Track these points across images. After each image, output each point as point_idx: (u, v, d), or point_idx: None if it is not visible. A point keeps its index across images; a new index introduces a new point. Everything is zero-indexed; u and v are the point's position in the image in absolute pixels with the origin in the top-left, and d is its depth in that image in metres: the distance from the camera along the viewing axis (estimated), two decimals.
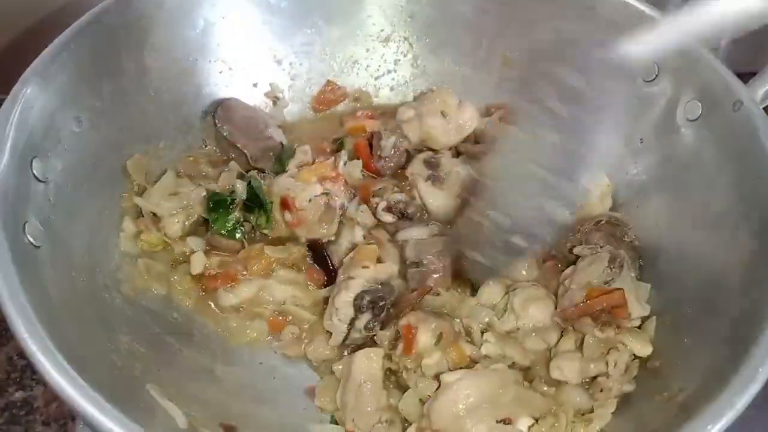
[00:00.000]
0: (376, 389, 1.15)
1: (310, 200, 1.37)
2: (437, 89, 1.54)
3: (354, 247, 1.34)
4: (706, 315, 1.10)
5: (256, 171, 1.45)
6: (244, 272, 1.33)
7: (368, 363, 1.16)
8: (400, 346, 1.18)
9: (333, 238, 1.37)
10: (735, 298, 1.05)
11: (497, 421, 1.08)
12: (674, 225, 1.29)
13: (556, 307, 1.23)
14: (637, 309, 1.18)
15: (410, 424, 1.13)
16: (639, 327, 1.19)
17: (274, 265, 1.34)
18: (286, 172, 1.43)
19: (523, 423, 1.09)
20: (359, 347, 1.22)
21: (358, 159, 1.48)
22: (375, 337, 1.23)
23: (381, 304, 1.22)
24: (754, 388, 0.86)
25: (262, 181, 1.40)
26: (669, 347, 1.13)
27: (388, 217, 1.39)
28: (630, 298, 1.16)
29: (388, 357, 1.20)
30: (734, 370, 0.90)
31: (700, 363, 1.03)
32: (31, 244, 1.05)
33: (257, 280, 1.32)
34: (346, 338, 1.23)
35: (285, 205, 1.36)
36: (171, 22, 1.41)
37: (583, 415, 1.11)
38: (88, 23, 1.26)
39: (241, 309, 1.32)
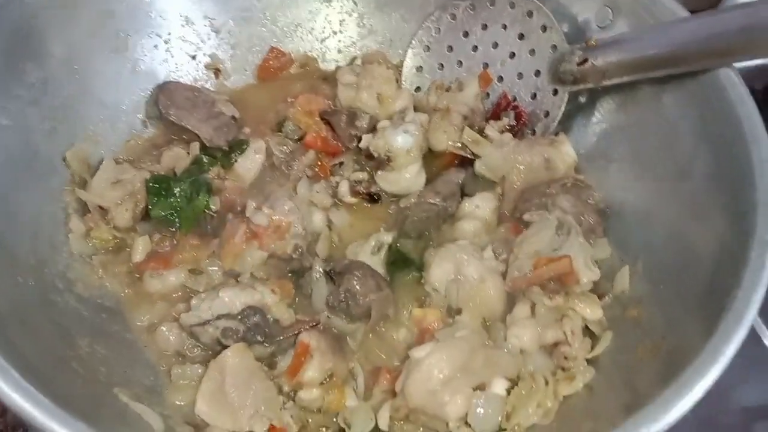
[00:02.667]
0: (263, 378, 1.09)
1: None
2: (380, 67, 1.46)
3: (316, 236, 1.27)
4: (678, 261, 1.09)
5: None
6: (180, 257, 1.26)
7: (241, 359, 1.08)
8: (288, 359, 1.11)
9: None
10: (709, 245, 1.03)
11: (473, 389, 1.06)
12: (638, 174, 1.27)
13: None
14: (587, 274, 1.16)
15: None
16: (592, 290, 1.18)
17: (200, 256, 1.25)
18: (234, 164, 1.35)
19: (499, 386, 1.07)
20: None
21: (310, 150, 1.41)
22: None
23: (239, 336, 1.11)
24: (741, 334, 0.86)
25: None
26: (645, 295, 1.12)
27: (353, 199, 1.35)
28: (578, 264, 1.15)
29: (269, 363, 1.13)
30: (718, 316, 0.89)
31: (680, 310, 1.02)
32: None
33: (186, 267, 1.24)
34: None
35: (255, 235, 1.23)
36: None
37: (563, 369, 1.10)
38: (5, 5, 1.16)
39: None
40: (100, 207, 1.25)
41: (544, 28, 1.36)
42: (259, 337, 1.10)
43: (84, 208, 1.26)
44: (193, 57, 1.51)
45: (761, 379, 1.36)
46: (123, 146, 1.38)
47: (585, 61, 1.29)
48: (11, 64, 1.17)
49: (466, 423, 1.04)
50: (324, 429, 1.09)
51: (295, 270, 1.23)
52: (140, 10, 1.40)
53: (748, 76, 1.15)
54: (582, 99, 1.38)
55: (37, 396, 0.82)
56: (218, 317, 1.10)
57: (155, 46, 1.45)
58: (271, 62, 1.56)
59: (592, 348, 1.11)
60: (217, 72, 1.53)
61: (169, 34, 1.46)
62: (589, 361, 1.10)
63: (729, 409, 0.95)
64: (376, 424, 1.07)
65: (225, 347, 1.10)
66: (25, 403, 0.81)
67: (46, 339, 1.02)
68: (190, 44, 1.50)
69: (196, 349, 1.14)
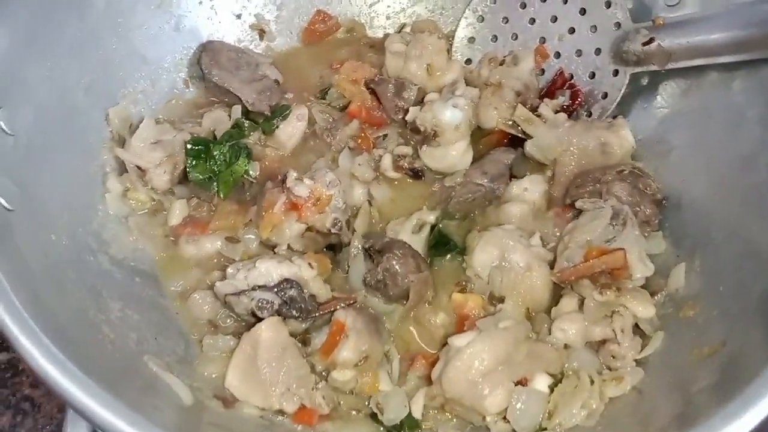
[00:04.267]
0: (296, 355, 1.06)
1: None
2: (432, 37, 1.38)
3: (355, 211, 1.22)
4: (741, 260, 1.02)
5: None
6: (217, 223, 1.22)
7: (276, 334, 1.05)
8: (322, 337, 1.08)
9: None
10: None
11: (515, 383, 1.02)
12: (699, 164, 1.19)
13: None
14: (640, 268, 1.10)
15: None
16: (642, 286, 1.12)
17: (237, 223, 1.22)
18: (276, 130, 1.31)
19: (541, 382, 1.03)
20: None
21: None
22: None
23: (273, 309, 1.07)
24: None
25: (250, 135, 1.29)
26: (703, 295, 1.06)
27: (396, 174, 1.29)
28: (632, 257, 1.09)
29: (303, 340, 1.10)
30: None
31: (742, 314, 0.95)
32: (3, 206, 0.95)
33: (223, 234, 1.21)
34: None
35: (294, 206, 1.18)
36: None
37: (610, 369, 1.05)
38: None
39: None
40: (138, 167, 1.22)
41: (608, 4, 1.29)
42: (294, 312, 1.06)
43: (121, 168, 1.23)
44: (238, 16, 1.46)
45: None
46: (163, 106, 1.34)
47: (651, 40, 1.22)
48: (54, 16, 1.13)
49: (504, 418, 1.01)
50: (355, 412, 1.06)
51: (332, 245, 1.19)
52: None
53: None
54: (644, 81, 1.30)
55: (67, 364, 0.80)
56: (254, 288, 1.06)
57: (200, 3, 1.40)
58: (317, 25, 1.50)
59: (642, 348, 1.05)
60: (261, 33, 1.48)
61: None
62: (638, 362, 1.05)
63: None
64: (410, 412, 1.03)
65: (258, 320, 1.07)
66: (54, 370, 0.79)
67: (77, 300, 0.99)
68: (235, 2, 1.45)
69: (228, 320, 1.12)
